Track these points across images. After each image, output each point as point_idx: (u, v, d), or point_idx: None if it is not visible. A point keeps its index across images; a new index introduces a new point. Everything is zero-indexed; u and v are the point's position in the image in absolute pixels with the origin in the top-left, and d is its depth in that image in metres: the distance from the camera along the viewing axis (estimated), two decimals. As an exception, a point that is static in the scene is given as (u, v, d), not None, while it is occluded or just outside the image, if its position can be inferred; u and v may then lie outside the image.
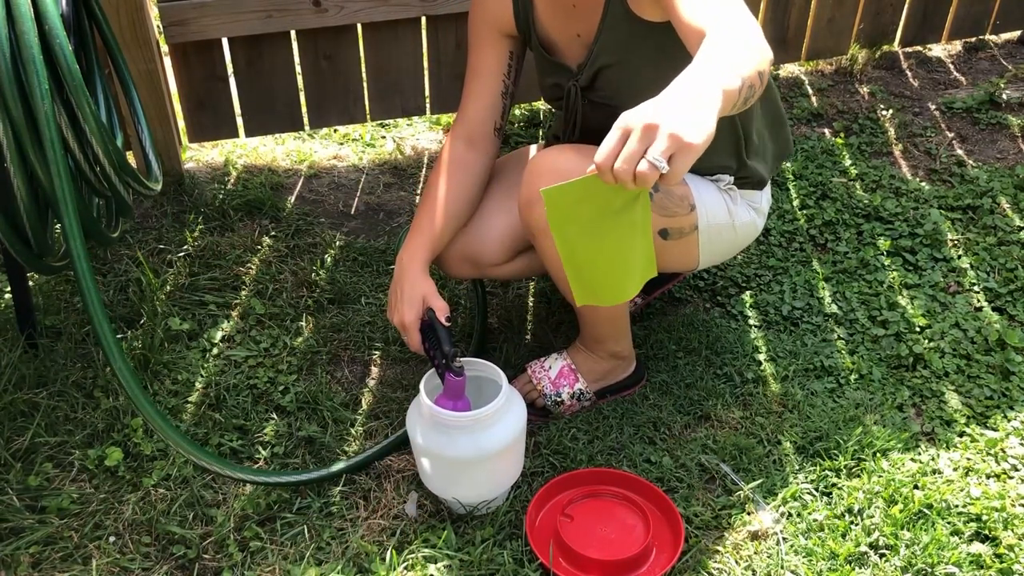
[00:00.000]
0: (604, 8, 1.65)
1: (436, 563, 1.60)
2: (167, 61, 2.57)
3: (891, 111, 3.09)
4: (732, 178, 1.83)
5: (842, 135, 2.97)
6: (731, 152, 1.81)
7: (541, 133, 2.95)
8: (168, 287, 2.25)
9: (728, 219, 1.83)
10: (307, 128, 2.79)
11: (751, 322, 2.24)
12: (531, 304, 2.29)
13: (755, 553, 1.66)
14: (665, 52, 1.61)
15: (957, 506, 1.74)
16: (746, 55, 1.31)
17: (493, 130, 1.85)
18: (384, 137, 3.01)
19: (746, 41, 1.33)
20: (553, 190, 1.22)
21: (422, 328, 1.70)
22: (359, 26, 2.62)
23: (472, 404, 1.66)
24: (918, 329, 2.20)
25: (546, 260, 1.76)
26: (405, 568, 1.60)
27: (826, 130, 3.02)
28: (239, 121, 2.72)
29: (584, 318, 1.89)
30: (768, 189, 1.95)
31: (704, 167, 1.82)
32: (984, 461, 1.86)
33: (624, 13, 1.63)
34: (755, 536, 1.69)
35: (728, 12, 1.37)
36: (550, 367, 1.95)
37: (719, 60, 1.27)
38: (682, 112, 1.15)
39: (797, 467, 1.83)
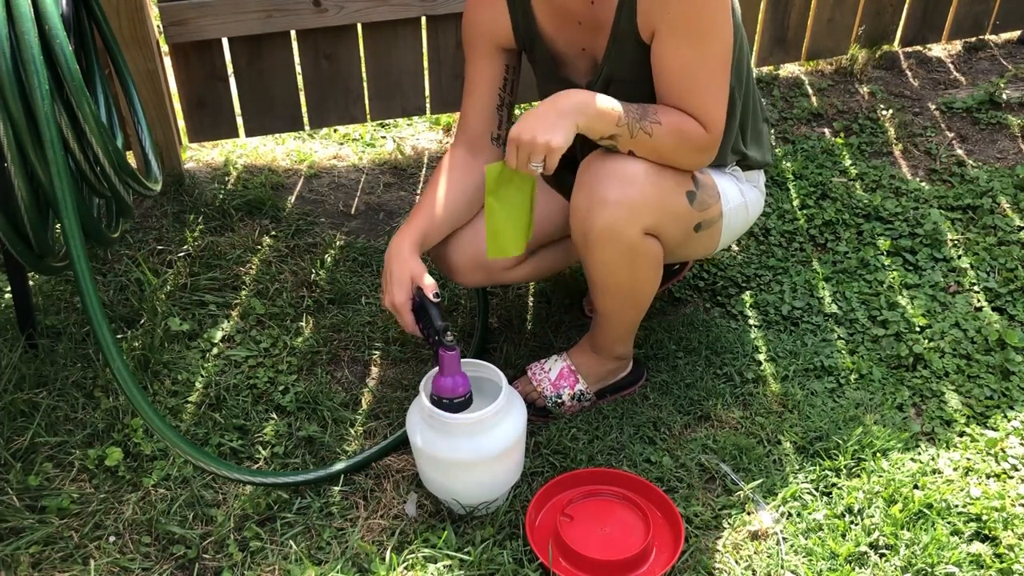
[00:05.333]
0: (612, 27, 1.65)
1: (436, 563, 1.60)
2: (167, 61, 2.57)
3: (891, 111, 3.09)
4: (735, 161, 1.86)
5: (842, 135, 2.97)
6: (735, 150, 1.84)
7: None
8: (168, 287, 2.25)
9: (742, 199, 1.87)
10: (307, 128, 2.79)
11: (751, 322, 2.24)
12: (531, 304, 2.29)
13: (755, 553, 1.66)
14: None
15: (957, 506, 1.74)
16: (672, 143, 1.63)
17: (491, 140, 1.85)
18: (384, 137, 3.01)
19: (684, 136, 1.63)
20: (492, 168, 1.67)
21: (414, 308, 1.69)
22: (359, 26, 2.62)
23: (472, 404, 1.66)
24: (918, 329, 2.20)
25: (589, 266, 1.74)
26: (405, 568, 1.60)
27: (826, 130, 3.02)
28: (239, 121, 2.73)
29: (607, 321, 1.87)
30: (763, 170, 1.98)
31: (715, 165, 1.84)
32: (984, 461, 1.86)
33: (632, 34, 1.63)
34: (755, 536, 1.69)
35: (700, 102, 1.62)
36: (550, 368, 1.95)
37: (634, 107, 1.61)
38: (545, 123, 1.55)
39: (797, 467, 1.83)
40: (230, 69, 2.63)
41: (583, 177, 1.67)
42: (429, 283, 1.67)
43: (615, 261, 1.70)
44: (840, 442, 1.86)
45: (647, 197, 1.63)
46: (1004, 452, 1.88)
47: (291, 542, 1.66)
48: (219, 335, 2.13)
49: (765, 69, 3.29)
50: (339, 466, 1.78)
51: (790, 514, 1.73)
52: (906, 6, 3.28)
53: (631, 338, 1.94)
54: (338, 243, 2.46)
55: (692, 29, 1.56)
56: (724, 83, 1.63)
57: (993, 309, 2.29)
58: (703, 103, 1.61)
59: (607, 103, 1.59)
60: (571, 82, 1.79)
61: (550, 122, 1.55)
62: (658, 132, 1.61)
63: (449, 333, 1.61)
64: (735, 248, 2.47)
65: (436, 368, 1.72)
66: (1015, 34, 3.62)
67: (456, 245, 1.85)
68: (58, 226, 1.65)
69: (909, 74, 3.38)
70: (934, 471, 1.83)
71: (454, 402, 1.61)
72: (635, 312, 1.85)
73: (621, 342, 1.92)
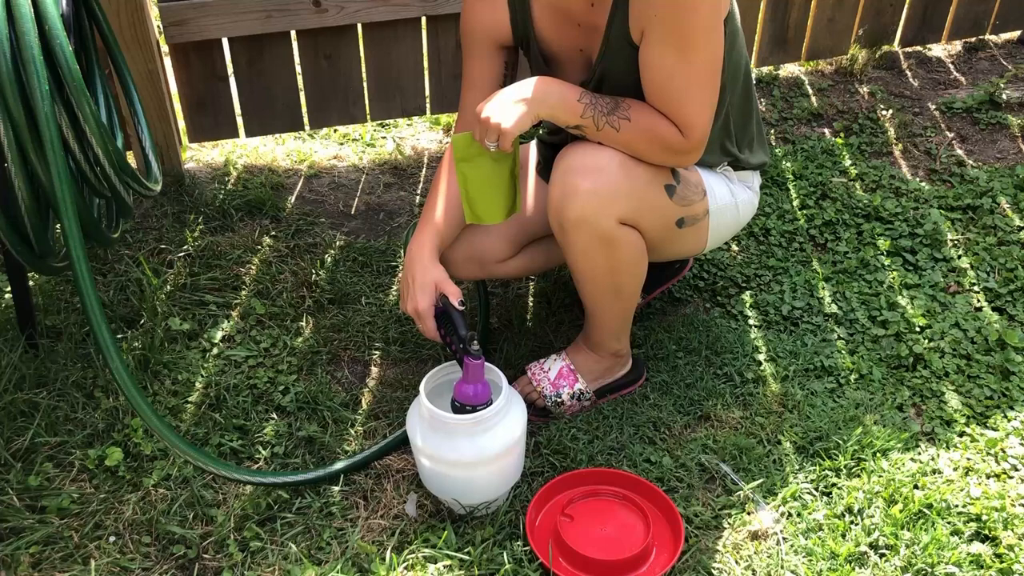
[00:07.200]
0: (606, 29, 1.65)
1: (436, 563, 1.60)
2: (167, 61, 2.57)
3: (891, 111, 3.09)
4: (726, 162, 1.87)
5: (842, 135, 2.97)
6: (724, 151, 1.84)
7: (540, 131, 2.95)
8: (168, 287, 2.25)
9: (731, 199, 1.87)
10: (307, 128, 2.79)
11: (751, 322, 2.24)
12: (531, 304, 2.29)
13: (755, 553, 1.66)
14: None
15: (957, 506, 1.74)
16: (641, 141, 1.65)
17: None
18: (384, 137, 3.01)
19: (654, 136, 1.64)
20: (459, 137, 1.71)
21: (436, 314, 1.70)
22: (359, 26, 2.62)
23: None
24: (918, 329, 2.20)
25: (569, 255, 1.76)
26: (405, 568, 1.60)
27: (826, 130, 3.02)
28: (239, 121, 2.73)
29: (596, 315, 1.88)
30: (758, 171, 1.98)
31: (704, 164, 1.85)
32: (984, 461, 1.86)
33: (624, 36, 1.63)
34: (755, 536, 1.69)
35: (680, 109, 1.62)
36: (549, 368, 1.95)
37: (606, 101, 1.64)
38: (503, 106, 1.61)
39: (797, 467, 1.83)
40: (230, 69, 2.63)
41: (558, 168, 1.69)
42: (454, 290, 1.68)
43: (592, 250, 1.71)
44: (840, 442, 1.86)
45: (619, 186, 1.65)
46: (1004, 452, 1.88)
47: (291, 542, 1.66)
48: (219, 335, 2.13)
49: (765, 69, 3.29)
50: (339, 466, 1.78)
51: (790, 514, 1.73)
52: (906, 6, 3.28)
53: (625, 334, 1.94)
54: (338, 243, 2.47)
55: (676, 36, 1.56)
56: (709, 91, 1.63)
57: (993, 309, 2.29)
58: (684, 109, 1.62)
59: (571, 95, 1.64)
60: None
61: (508, 107, 1.61)
62: (626, 128, 1.63)
63: (475, 342, 1.61)
64: (735, 248, 2.47)
65: (436, 368, 1.72)
66: (1015, 34, 3.62)
67: None
68: (58, 226, 1.65)
69: (909, 74, 3.38)
70: (934, 471, 1.83)
71: (477, 409, 1.62)
72: (621, 305, 1.85)
73: (615, 337, 1.92)
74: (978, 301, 2.31)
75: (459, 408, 1.63)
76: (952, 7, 3.35)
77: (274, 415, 1.93)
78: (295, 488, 1.76)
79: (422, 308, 1.68)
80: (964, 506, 1.74)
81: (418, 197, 2.72)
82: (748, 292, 2.33)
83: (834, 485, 1.79)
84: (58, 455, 1.80)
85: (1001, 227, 2.54)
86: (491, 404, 1.63)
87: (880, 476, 1.79)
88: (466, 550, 1.62)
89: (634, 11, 1.59)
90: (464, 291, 2.28)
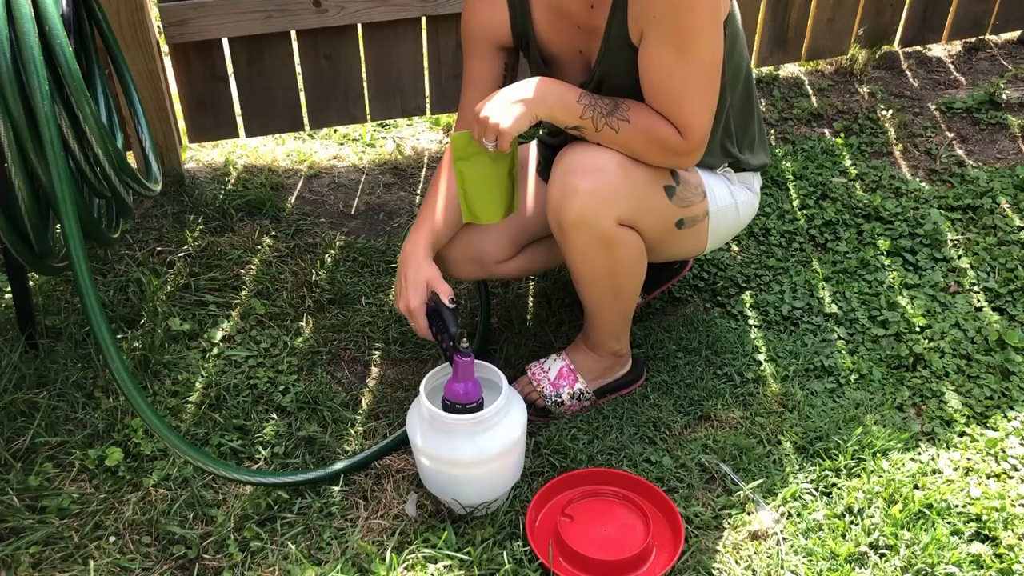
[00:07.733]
0: (605, 31, 1.65)
1: (436, 563, 1.60)
2: (167, 61, 2.57)
3: (891, 111, 3.09)
4: (726, 163, 1.87)
5: (842, 135, 2.97)
6: (724, 153, 1.84)
7: (540, 132, 2.95)
8: (168, 287, 2.25)
9: (731, 200, 1.88)
10: (307, 128, 2.79)
11: (751, 322, 2.24)
12: (531, 304, 2.29)
13: (755, 553, 1.66)
14: None
15: (957, 506, 1.74)
16: (640, 142, 1.65)
17: None
18: (384, 137, 3.01)
19: (653, 137, 1.64)
20: (458, 136, 1.73)
21: (428, 313, 1.70)
22: (359, 26, 2.62)
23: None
24: (918, 329, 2.20)
25: (568, 256, 1.76)
26: (405, 568, 1.60)
27: (826, 130, 3.02)
28: (239, 121, 2.73)
29: (595, 315, 1.88)
30: (759, 172, 1.98)
31: (704, 166, 1.85)
32: (984, 461, 1.86)
33: (623, 37, 1.63)
34: (755, 536, 1.69)
35: (679, 109, 1.62)
36: (549, 368, 1.95)
37: (605, 102, 1.64)
38: (502, 106, 1.61)
39: (797, 467, 1.83)
40: (230, 69, 2.63)
41: (557, 168, 1.69)
42: (445, 289, 1.69)
43: (591, 251, 1.71)
44: (840, 442, 1.86)
45: (618, 187, 1.65)
46: (1004, 452, 1.88)
47: (291, 542, 1.66)
48: (219, 335, 2.13)
49: (765, 69, 3.29)
50: (339, 466, 1.78)
51: (790, 514, 1.73)
52: (906, 6, 3.28)
53: (625, 334, 1.94)
54: (338, 243, 2.47)
55: (675, 37, 1.56)
56: (709, 91, 1.63)
57: (993, 309, 2.29)
58: (682, 110, 1.62)
59: (570, 96, 1.64)
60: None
61: (506, 107, 1.61)
62: (625, 129, 1.63)
63: (464, 340, 1.61)
64: (735, 248, 2.47)
65: (436, 368, 1.72)
66: (1015, 34, 3.62)
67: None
68: (58, 226, 1.65)
69: (909, 74, 3.38)
70: (934, 471, 1.83)
71: (467, 407, 1.62)
72: (620, 305, 1.85)
73: (614, 337, 1.92)
74: (978, 301, 2.31)
75: (449, 406, 1.62)
76: (952, 7, 3.35)
77: (274, 415, 1.93)
78: (295, 488, 1.76)
79: (413, 306, 1.69)
80: (964, 506, 1.74)
81: (418, 197, 2.72)
82: (748, 292, 2.33)
83: (834, 485, 1.79)
84: (58, 455, 1.80)
85: (1001, 227, 2.54)
86: (482, 402, 1.63)
87: (880, 476, 1.79)
88: (466, 550, 1.62)
89: (633, 12, 1.59)
90: (464, 291, 2.28)
